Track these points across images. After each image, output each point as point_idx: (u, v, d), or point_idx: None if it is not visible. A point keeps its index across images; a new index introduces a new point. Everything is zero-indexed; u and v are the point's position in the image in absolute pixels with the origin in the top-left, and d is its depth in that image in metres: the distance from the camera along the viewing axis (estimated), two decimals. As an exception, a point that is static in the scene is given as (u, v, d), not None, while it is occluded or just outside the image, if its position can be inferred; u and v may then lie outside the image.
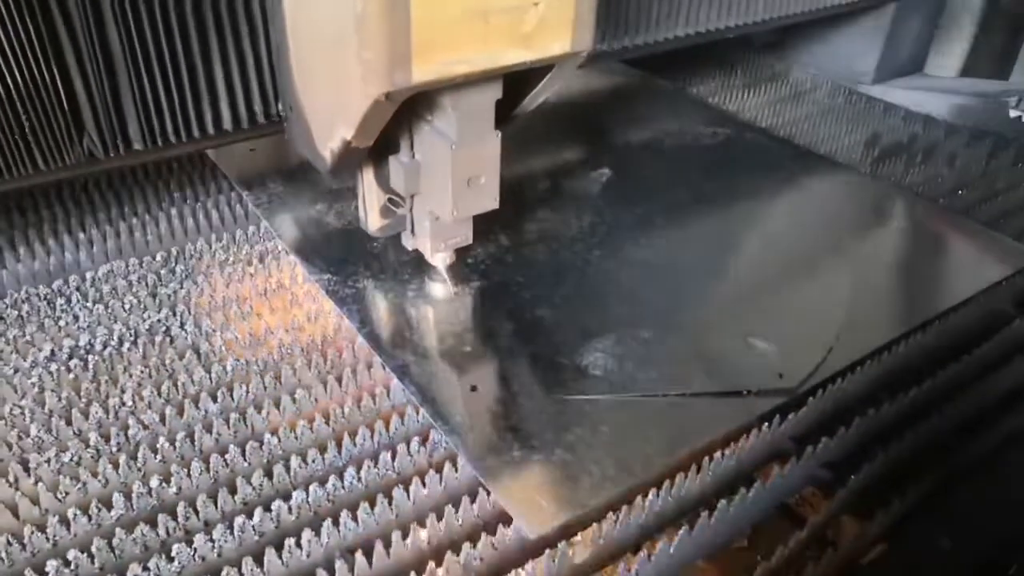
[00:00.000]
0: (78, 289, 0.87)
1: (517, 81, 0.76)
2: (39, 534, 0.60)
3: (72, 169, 0.84)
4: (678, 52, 1.24)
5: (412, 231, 0.87)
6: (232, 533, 0.60)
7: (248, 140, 0.97)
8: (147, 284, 0.88)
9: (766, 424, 0.71)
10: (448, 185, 0.75)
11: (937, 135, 1.30)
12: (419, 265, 0.89)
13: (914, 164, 1.20)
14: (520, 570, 0.59)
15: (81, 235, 0.95)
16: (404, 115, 0.74)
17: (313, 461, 0.67)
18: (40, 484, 0.63)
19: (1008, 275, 0.93)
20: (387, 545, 0.59)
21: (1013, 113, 1.34)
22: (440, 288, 0.88)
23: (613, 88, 1.43)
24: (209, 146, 1.00)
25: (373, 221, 0.86)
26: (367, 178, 0.83)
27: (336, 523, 0.61)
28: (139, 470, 0.66)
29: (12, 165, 0.80)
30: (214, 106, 0.89)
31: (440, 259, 0.86)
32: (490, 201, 0.79)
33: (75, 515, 0.61)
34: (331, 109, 0.73)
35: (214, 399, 0.73)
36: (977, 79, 1.54)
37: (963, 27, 1.55)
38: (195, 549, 0.59)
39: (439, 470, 0.65)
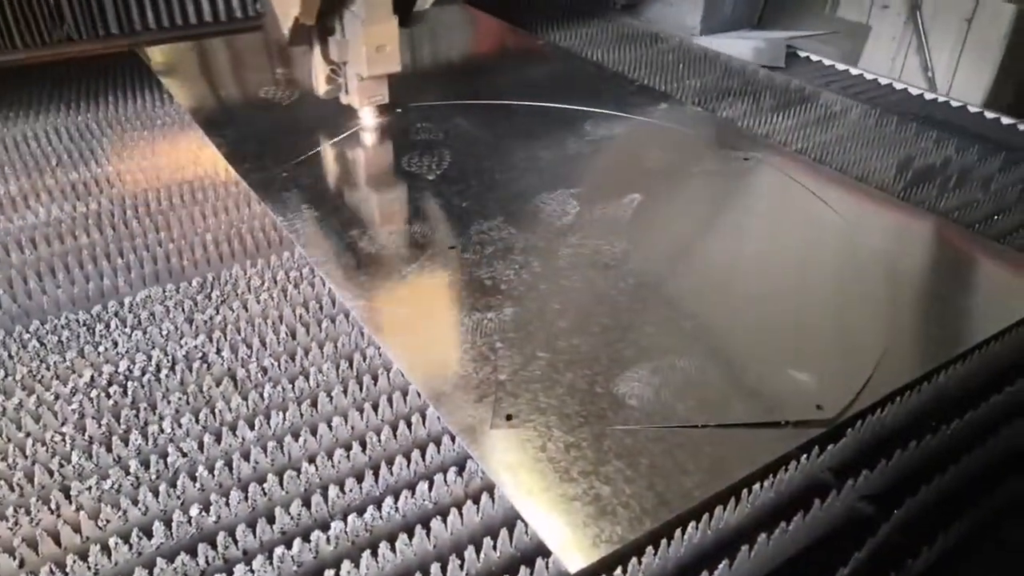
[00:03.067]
0: (116, 315, 0.88)
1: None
2: (81, 562, 0.60)
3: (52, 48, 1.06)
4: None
5: (346, 91, 1.27)
6: (271, 563, 0.60)
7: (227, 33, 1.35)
8: (184, 310, 0.89)
9: (804, 456, 0.70)
10: (362, 51, 1.15)
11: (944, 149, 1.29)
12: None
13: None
14: (559, 604, 0.59)
15: (119, 261, 0.96)
16: (336, 6, 1.15)
17: (351, 490, 0.67)
18: (82, 512, 0.63)
19: (1048, 303, 0.92)
20: (426, 577, 0.59)
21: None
22: (369, 136, 1.27)
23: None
24: (186, 37, 1.37)
25: (320, 86, 1.28)
26: (315, 55, 1.25)
27: (375, 554, 0.61)
28: (178, 498, 0.66)
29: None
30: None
31: (367, 112, 1.28)
32: (394, 65, 1.21)
33: (116, 543, 0.61)
34: None
35: (251, 427, 0.73)
36: (774, 31, 2.02)
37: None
38: (235, 579, 0.59)
39: (476, 501, 0.65)
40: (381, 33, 1.15)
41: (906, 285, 0.95)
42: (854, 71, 1.75)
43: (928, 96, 1.59)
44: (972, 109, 1.50)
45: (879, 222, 1.09)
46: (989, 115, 1.47)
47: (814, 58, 1.83)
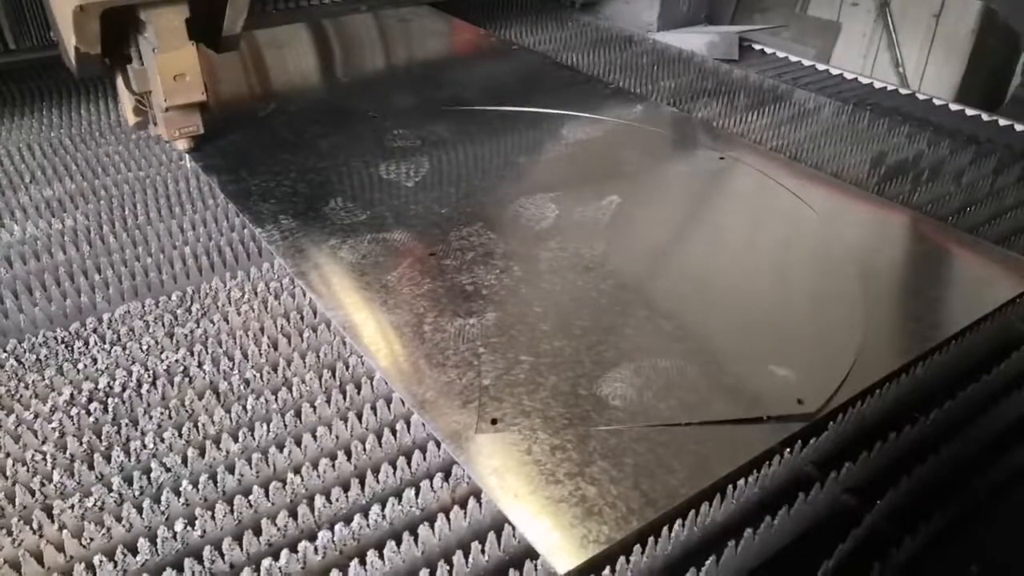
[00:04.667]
0: (95, 331, 0.87)
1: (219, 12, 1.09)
2: (65, 582, 0.60)
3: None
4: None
5: (154, 122, 1.18)
6: (259, 576, 0.60)
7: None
8: (164, 324, 0.88)
9: (787, 450, 0.71)
10: (158, 79, 1.07)
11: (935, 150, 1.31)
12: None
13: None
14: (549, 606, 0.59)
15: (97, 277, 0.95)
16: (130, 32, 1.07)
17: (337, 500, 0.67)
18: (65, 531, 0.63)
19: (1021, 292, 0.93)
20: (415, 584, 0.59)
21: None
22: (189, 164, 1.21)
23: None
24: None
25: (129, 118, 1.19)
26: (120, 85, 1.17)
27: (363, 563, 0.61)
28: (163, 513, 0.66)
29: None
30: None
31: (181, 144, 1.20)
32: (197, 94, 1.10)
33: (100, 562, 0.61)
34: (64, 22, 1.02)
35: (235, 439, 0.73)
36: (724, 25, 2.06)
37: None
38: (222, 593, 0.59)
39: (463, 506, 0.65)
40: (178, 61, 1.07)
41: (882, 279, 0.96)
42: (820, 67, 1.77)
43: (890, 89, 1.61)
44: (937, 102, 1.52)
45: (854, 217, 1.11)
46: (954, 107, 1.49)
47: (780, 54, 1.85)
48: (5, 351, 0.84)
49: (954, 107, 1.49)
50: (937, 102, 1.52)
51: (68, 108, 1.43)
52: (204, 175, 1.19)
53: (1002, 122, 1.42)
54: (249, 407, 0.77)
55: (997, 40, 2.24)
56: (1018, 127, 1.40)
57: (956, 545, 0.67)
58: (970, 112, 1.46)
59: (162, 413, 0.76)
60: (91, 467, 0.69)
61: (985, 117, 1.44)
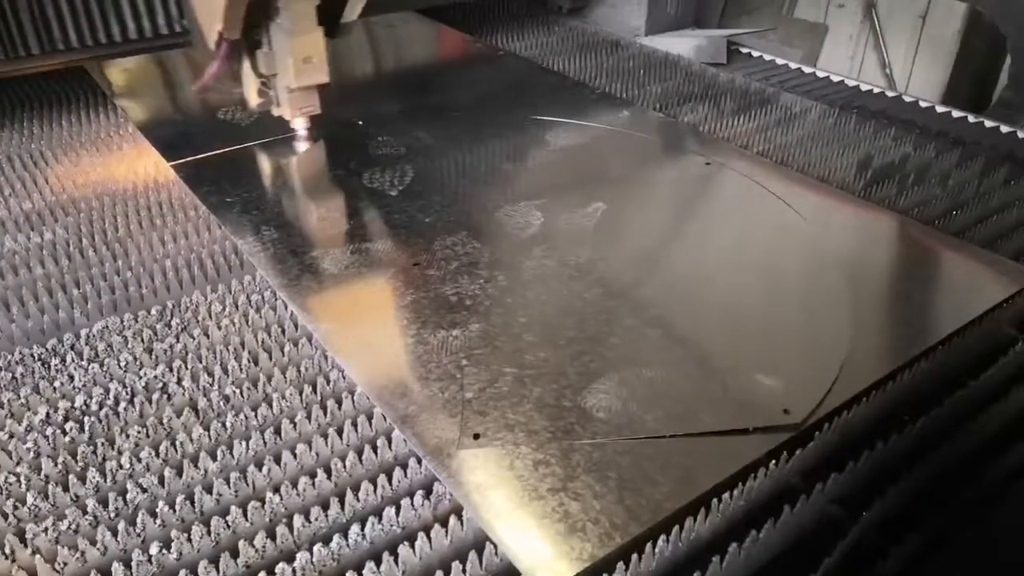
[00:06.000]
0: (73, 348, 0.86)
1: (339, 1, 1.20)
2: (37, 608, 0.58)
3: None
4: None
5: (277, 103, 1.27)
6: (235, 599, 0.59)
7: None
8: (143, 340, 0.87)
9: (773, 462, 0.70)
10: (290, 62, 1.17)
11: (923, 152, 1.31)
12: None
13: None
14: (531, 626, 0.58)
15: (75, 291, 0.94)
16: (261, 20, 1.16)
17: (316, 519, 0.66)
18: (38, 556, 0.62)
19: (1008, 296, 0.93)
20: (394, 606, 0.58)
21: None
22: (303, 144, 1.30)
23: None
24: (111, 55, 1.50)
25: (252, 99, 1.28)
26: (245, 68, 1.25)
27: (342, 584, 0.60)
28: (139, 536, 0.64)
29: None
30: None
31: (299, 123, 1.29)
32: (323, 76, 1.21)
33: (74, 586, 0.60)
34: (208, 10, 1.14)
35: (213, 458, 0.72)
36: (711, 29, 2.05)
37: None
38: (198, 618, 0.58)
39: (444, 524, 0.64)
40: (307, 45, 1.17)
41: (869, 284, 0.96)
42: (807, 69, 1.76)
43: (876, 91, 1.61)
44: (924, 104, 1.52)
45: (840, 222, 1.10)
46: (940, 109, 1.49)
47: (767, 57, 1.85)
48: (-20, 369, 0.83)
49: (940, 109, 1.49)
50: (923, 104, 1.52)
51: (48, 120, 1.41)
52: (186, 186, 1.17)
53: (988, 124, 1.41)
54: (228, 424, 0.75)
55: (983, 41, 2.25)
56: (1004, 129, 1.40)
57: (944, 555, 0.66)
58: (956, 114, 1.46)
59: (139, 432, 0.74)
60: (66, 489, 0.68)
61: (971, 119, 1.44)
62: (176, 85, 1.61)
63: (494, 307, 0.91)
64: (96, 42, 1.62)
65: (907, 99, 1.55)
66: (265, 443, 0.73)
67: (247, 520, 0.66)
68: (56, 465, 0.70)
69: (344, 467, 0.70)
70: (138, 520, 0.65)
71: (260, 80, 1.25)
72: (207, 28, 1.17)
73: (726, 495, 0.67)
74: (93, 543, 0.63)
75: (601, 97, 1.52)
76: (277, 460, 0.71)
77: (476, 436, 0.72)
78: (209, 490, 0.68)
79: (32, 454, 0.72)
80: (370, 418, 0.76)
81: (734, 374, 0.81)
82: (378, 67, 1.76)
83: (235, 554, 0.62)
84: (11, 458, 0.72)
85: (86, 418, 0.76)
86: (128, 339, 0.87)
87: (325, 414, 0.76)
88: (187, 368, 0.83)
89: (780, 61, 1.81)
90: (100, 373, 0.82)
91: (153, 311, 0.91)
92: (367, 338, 0.86)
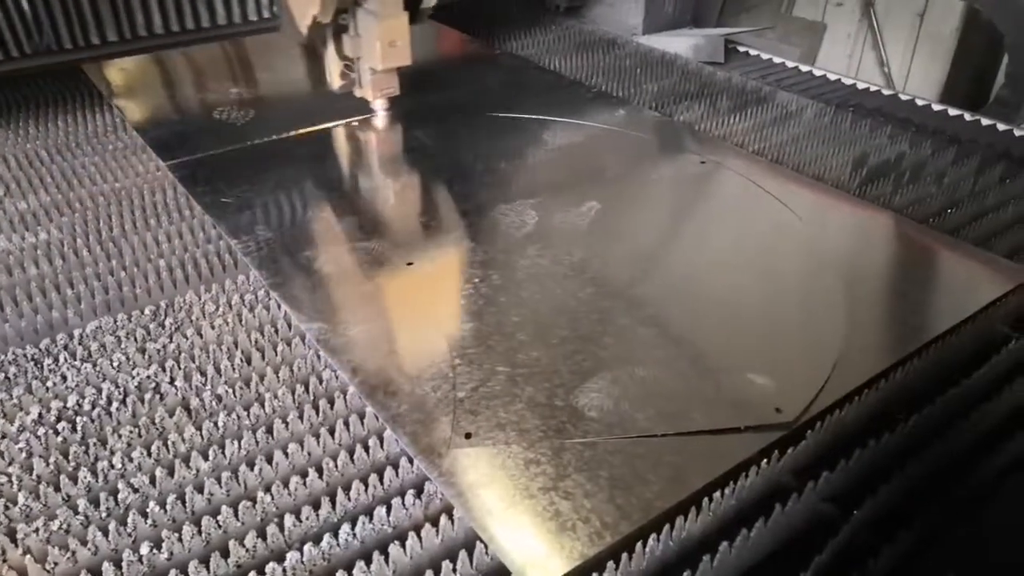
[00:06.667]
0: (66, 348, 0.86)
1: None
2: (28, 608, 0.58)
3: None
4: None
5: (360, 84, 1.35)
6: (225, 599, 0.59)
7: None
8: (136, 340, 0.87)
9: (765, 460, 0.70)
10: (377, 45, 1.24)
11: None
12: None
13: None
14: (521, 625, 0.58)
15: (69, 292, 0.94)
16: (350, 5, 1.24)
17: (307, 518, 0.66)
18: (28, 556, 0.62)
19: (1002, 294, 0.93)
20: (384, 605, 0.58)
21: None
22: (381, 120, 1.37)
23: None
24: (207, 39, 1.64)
25: (335, 81, 1.35)
26: (329, 52, 1.32)
27: (332, 584, 0.60)
28: (129, 536, 0.64)
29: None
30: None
31: (379, 103, 1.38)
32: (406, 59, 1.29)
33: (65, 586, 0.60)
34: None
35: (205, 457, 0.72)
36: (709, 28, 2.03)
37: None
38: (188, 618, 0.58)
39: (435, 523, 0.64)
40: (394, 29, 1.23)
41: (862, 283, 0.96)
42: (804, 68, 1.76)
43: (873, 90, 1.60)
44: (920, 102, 1.51)
45: (835, 221, 1.10)
46: (937, 107, 1.49)
47: (764, 56, 1.84)
48: (-27, 370, 0.83)
49: (937, 107, 1.49)
50: (920, 102, 1.52)
51: (44, 120, 1.41)
52: (181, 186, 1.17)
53: (984, 122, 1.41)
54: (220, 424, 0.75)
55: (981, 39, 2.24)
56: (1000, 127, 1.39)
57: (935, 553, 0.66)
58: (953, 112, 1.46)
59: (131, 431, 0.74)
60: (57, 489, 0.68)
61: (967, 117, 1.44)
62: (172, 85, 1.61)
63: (487, 306, 0.91)
64: (183, 28, 1.68)
65: (903, 97, 1.55)
66: (257, 442, 0.73)
67: (238, 520, 0.66)
68: (48, 465, 0.70)
69: (336, 466, 0.70)
70: (129, 520, 0.65)
71: (344, 63, 1.32)
72: (299, 13, 1.25)
73: (717, 494, 0.67)
74: (84, 543, 0.63)
75: (597, 96, 1.51)
76: (269, 460, 0.71)
77: (468, 435, 0.72)
78: (200, 490, 0.68)
79: (24, 454, 0.72)
80: (362, 417, 0.76)
81: (727, 373, 0.81)
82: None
83: (225, 554, 0.62)
84: (3, 458, 0.72)
85: (78, 418, 0.76)
86: (121, 339, 0.87)
87: (317, 413, 0.76)
88: (180, 368, 0.83)
89: (777, 60, 1.81)
90: (93, 373, 0.82)
91: (147, 311, 0.91)
92: (360, 337, 0.86)
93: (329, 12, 1.21)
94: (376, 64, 1.27)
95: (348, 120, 1.39)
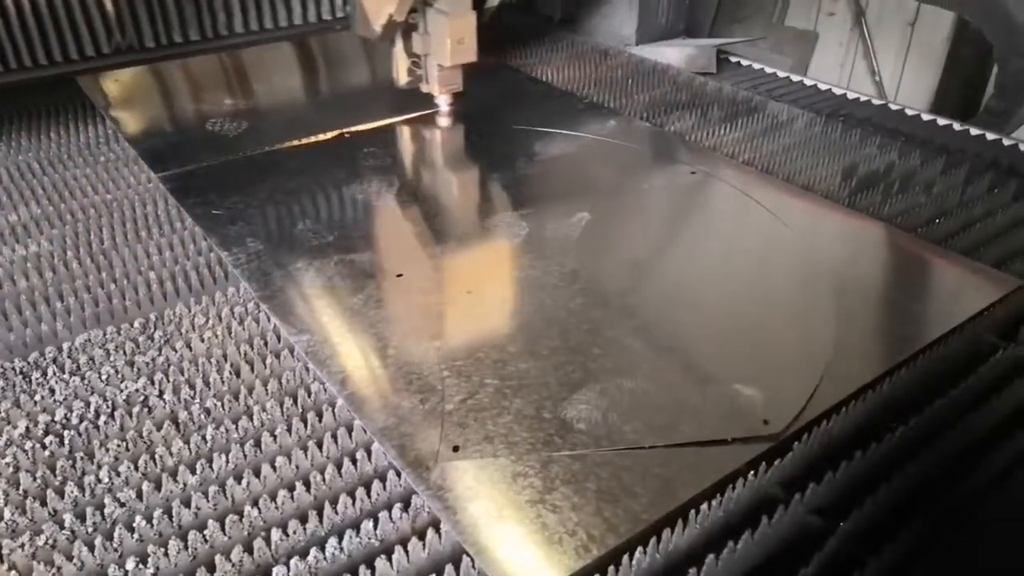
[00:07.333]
0: (55, 361, 0.86)
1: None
2: (12, 624, 0.58)
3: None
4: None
5: (426, 80, 1.44)
6: (211, 614, 0.59)
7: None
8: (125, 352, 0.87)
9: (752, 472, 0.70)
10: (447, 42, 1.32)
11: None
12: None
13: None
14: (507, 639, 0.58)
15: (59, 304, 0.94)
16: (420, 5, 1.33)
17: (294, 532, 0.66)
18: (13, 572, 0.61)
19: (990, 304, 0.93)
20: (370, 620, 0.58)
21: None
22: (444, 120, 1.44)
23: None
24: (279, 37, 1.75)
25: (402, 77, 1.44)
26: (398, 49, 1.42)
27: (318, 599, 0.60)
28: (115, 551, 0.64)
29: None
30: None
31: (443, 100, 1.45)
32: (472, 56, 1.36)
33: (49, 602, 0.60)
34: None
35: (192, 471, 0.71)
36: (702, 38, 2.04)
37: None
38: (173, 633, 0.57)
39: (422, 537, 0.64)
40: (462, 27, 1.31)
41: (850, 293, 0.96)
42: (795, 78, 1.77)
43: (863, 100, 1.61)
44: (910, 112, 1.52)
45: (824, 231, 1.11)
46: (927, 117, 1.49)
47: (756, 66, 1.85)
48: (-39, 384, 0.83)
49: (926, 117, 1.49)
50: (910, 112, 1.52)
51: (36, 132, 1.41)
52: (172, 198, 1.18)
53: (974, 131, 1.42)
54: (209, 437, 0.75)
55: (971, 48, 2.26)
56: (990, 136, 1.40)
57: (923, 563, 0.66)
58: (942, 122, 1.46)
59: (119, 445, 0.74)
60: (44, 503, 0.68)
61: (957, 126, 1.45)
62: (164, 97, 1.62)
63: (477, 318, 0.91)
64: (262, 27, 1.81)
65: (893, 107, 1.55)
66: (245, 456, 0.73)
67: (225, 534, 0.66)
68: (35, 479, 0.70)
69: (323, 480, 0.70)
70: (115, 535, 0.65)
71: (411, 60, 1.40)
72: (374, 12, 1.33)
73: (704, 506, 0.67)
74: (70, 558, 0.63)
75: (588, 107, 1.52)
76: (256, 473, 0.71)
77: (455, 448, 0.72)
78: (187, 504, 0.68)
79: (11, 468, 0.72)
80: (350, 430, 0.76)
81: (715, 384, 0.81)
82: (367, 78, 1.76)
83: (212, 569, 0.62)
84: (-10, 473, 0.72)
85: (66, 432, 0.76)
86: (110, 352, 0.87)
87: (306, 426, 0.76)
88: (168, 381, 0.83)
89: (769, 69, 1.82)
90: (81, 386, 0.82)
91: (136, 323, 0.91)
92: (349, 350, 0.86)
93: (404, 10, 1.30)
94: (444, 60, 1.35)
95: (338, 132, 1.39)
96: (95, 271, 1.01)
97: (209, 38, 1.73)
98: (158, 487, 0.70)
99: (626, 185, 1.23)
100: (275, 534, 0.65)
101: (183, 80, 1.68)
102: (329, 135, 1.38)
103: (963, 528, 0.69)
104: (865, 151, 1.34)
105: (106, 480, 0.71)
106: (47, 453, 0.74)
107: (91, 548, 0.64)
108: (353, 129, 1.40)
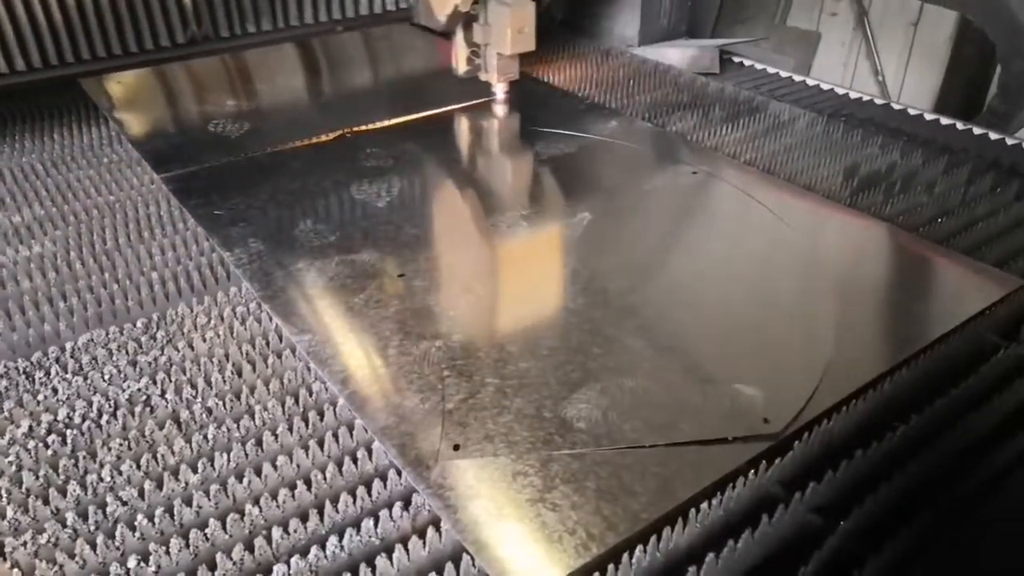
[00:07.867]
0: (58, 360, 0.86)
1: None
2: (15, 622, 0.59)
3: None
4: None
5: (485, 68, 1.50)
6: (212, 612, 0.59)
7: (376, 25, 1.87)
8: (128, 352, 0.87)
9: (752, 471, 0.70)
10: (508, 32, 1.38)
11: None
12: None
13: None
14: (507, 638, 0.58)
15: (62, 304, 0.94)
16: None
17: (295, 531, 0.66)
18: (16, 569, 0.62)
19: (991, 303, 0.93)
20: (370, 618, 0.58)
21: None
22: (500, 108, 1.50)
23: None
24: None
25: (461, 66, 1.53)
26: (459, 39, 1.49)
27: (318, 597, 0.60)
28: (117, 549, 0.64)
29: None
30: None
31: (500, 88, 1.51)
32: (531, 45, 1.44)
33: (52, 600, 0.60)
34: None
35: (194, 470, 0.72)
36: (704, 39, 2.03)
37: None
38: (174, 631, 0.58)
39: (422, 535, 0.64)
40: (522, 17, 1.38)
41: (851, 292, 0.96)
42: (797, 78, 1.76)
43: (865, 100, 1.61)
44: (912, 112, 1.52)
45: (825, 230, 1.11)
46: (929, 117, 1.49)
47: (758, 66, 1.85)
48: (-34, 384, 0.83)
49: (929, 117, 1.49)
50: (912, 112, 1.52)
51: (40, 133, 1.42)
52: (175, 199, 1.18)
53: (976, 131, 1.42)
54: (210, 436, 0.76)
55: (974, 48, 2.25)
56: (992, 136, 1.40)
57: (924, 562, 0.66)
58: (944, 121, 1.46)
59: (121, 444, 0.75)
60: (46, 502, 0.68)
61: (959, 126, 1.44)
62: (168, 98, 1.62)
63: (478, 317, 0.91)
64: (331, 17, 1.90)
65: (895, 107, 1.55)
66: (246, 455, 0.74)
67: (226, 532, 0.66)
68: (37, 478, 0.71)
69: (324, 479, 0.71)
70: (117, 533, 0.65)
71: (471, 49, 1.48)
72: (440, 3, 1.41)
73: (704, 505, 0.67)
74: (72, 556, 0.63)
75: (590, 107, 1.52)
76: (258, 472, 0.71)
77: (456, 447, 0.73)
78: (189, 502, 0.68)
79: (14, 467, 0.72)
80: (351, 429, 0.76)
81: (715, 383, 0.81)
82: (369, 78, 1.77)
83: (213, 567, 0.62)
84: (-7, 472, 0.72)
85: (69, 431, 0.76)
86: (113, 352, 0.87)
87: (307, 426, 0.77)
88: (171, 380, 0.83)
89: (771, 70, 1.82)
90: (84, 386, 0.82)
91: (139, 323, 0.92)
92: (350, 349, 0.86)
93: (469, 1, 1.36)
94: (505, 50, 1.41)
95: (340, 132, 1.40)
96: (98, 271, 1.02)
97: (281, 27, 1.84)
98: (160, 486, 0.70)
99: (627, 185, 1.24)
100: (276, 532, 0.65)
101: (186, 82, 1.68)
102: (331, 135, 1.38)
103: (963, 527, 0.69)
104: (867, 151, 1.34)
105: (108, 479, 0.71)
106: (50, 452, 0.74)
107: (93, 546, 0.64)
108: (355, 129, 1.40)
